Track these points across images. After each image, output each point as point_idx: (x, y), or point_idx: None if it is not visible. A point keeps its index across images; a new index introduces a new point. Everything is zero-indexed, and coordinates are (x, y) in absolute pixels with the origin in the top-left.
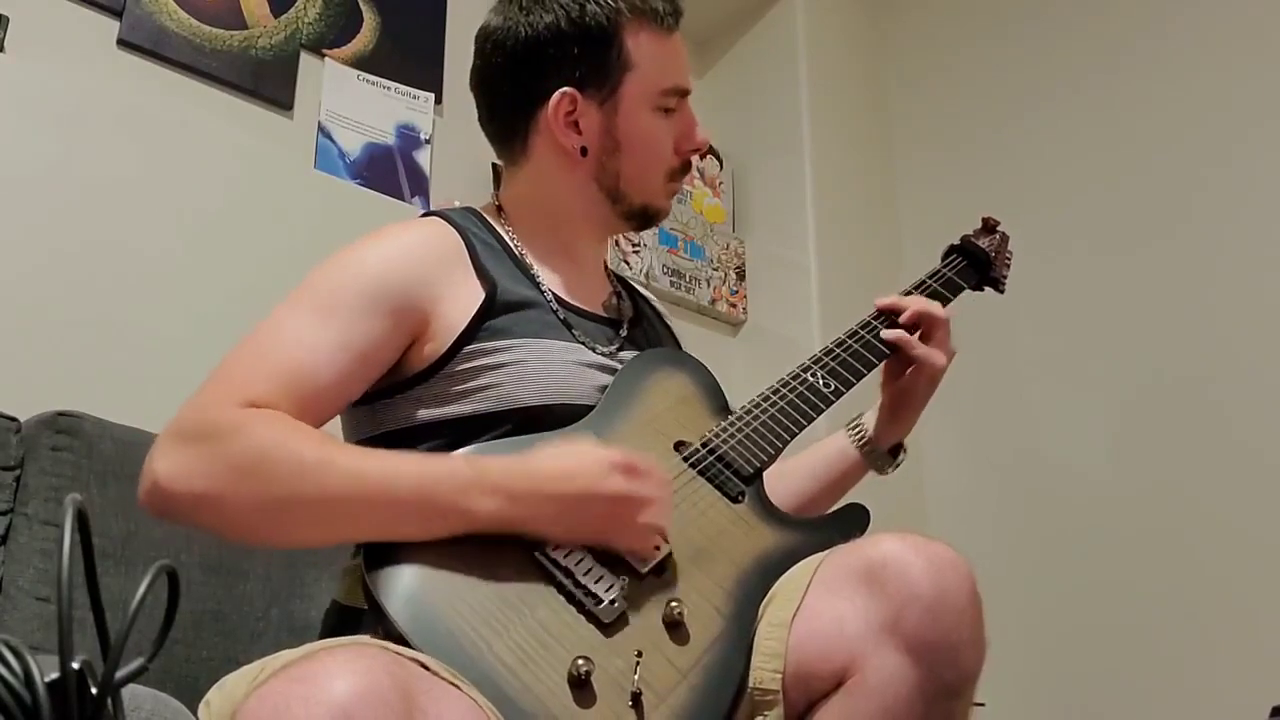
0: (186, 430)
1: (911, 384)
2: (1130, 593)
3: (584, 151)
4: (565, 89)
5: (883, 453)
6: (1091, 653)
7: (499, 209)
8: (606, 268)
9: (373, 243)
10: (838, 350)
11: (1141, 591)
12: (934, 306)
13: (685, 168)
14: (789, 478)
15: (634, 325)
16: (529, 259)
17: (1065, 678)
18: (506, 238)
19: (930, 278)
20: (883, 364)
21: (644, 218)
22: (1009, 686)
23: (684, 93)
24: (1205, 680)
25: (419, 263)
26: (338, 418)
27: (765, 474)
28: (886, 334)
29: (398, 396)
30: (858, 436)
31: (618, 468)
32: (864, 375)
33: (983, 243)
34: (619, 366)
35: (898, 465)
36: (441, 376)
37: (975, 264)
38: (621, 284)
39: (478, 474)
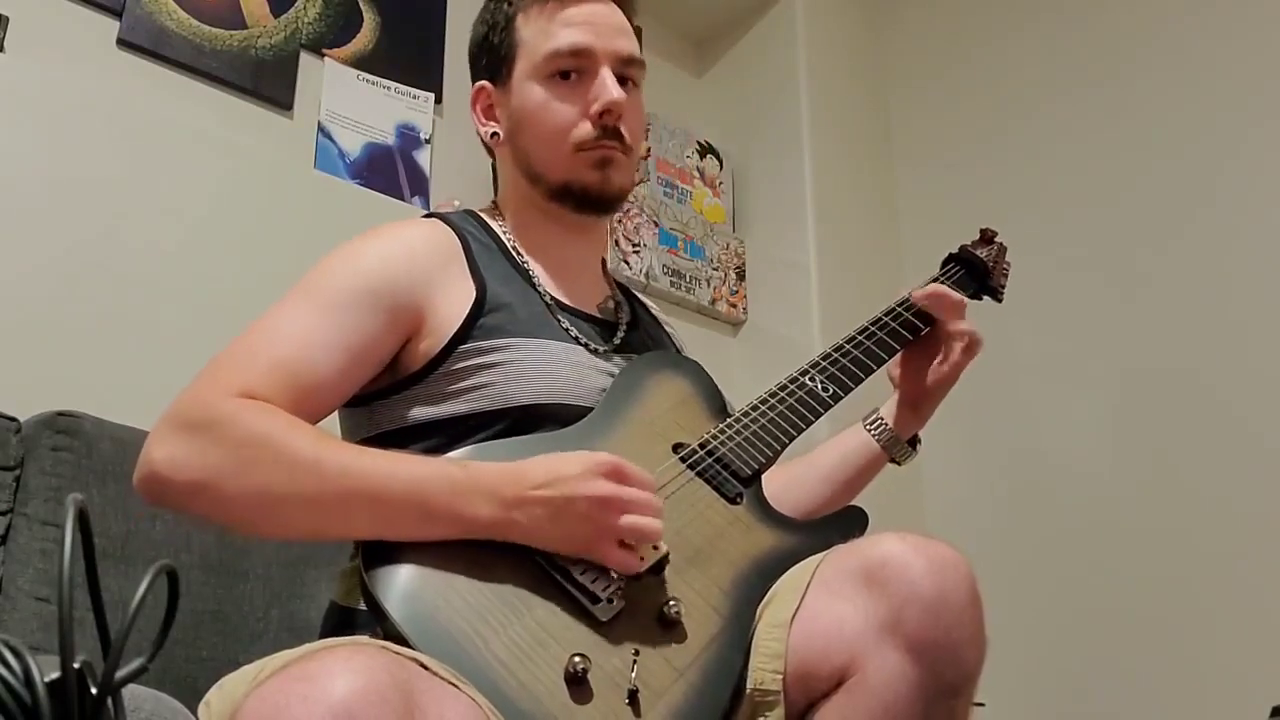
0: (183, 419)
1: (947, 373)
2: (1130, 592)
3: (496, 137)
4: (479, 83)
5: (903, 444)
6: (1091, 652)
7: (496, 210)
8: (605, 271)
9: (369, 240)
10: (836, 355)
11: (1141, 590)
12: (955, 295)
13: (603, 133)
14: (809, 473)
15: (631, 328)
16: (526, 258)
17: (1065, 677)
18: (503, 238)
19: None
20: (900, 357)
21: (573, 195)
22: (1009, 686)
23: (576, 54)
24: (1205, 680)
25: (415, 261)
26: (333, 418)
27: (771, 475)
28: (918, 297)
29: (393, 397)
30: (878, 430)
31: (602, 470)
32: (863, 380)
33: (981, 253)
34: (613, 367)
35: (914, 455)
36: (436, 376)
37: (973, 273)
38: (620, 287)
39: (470, 478)
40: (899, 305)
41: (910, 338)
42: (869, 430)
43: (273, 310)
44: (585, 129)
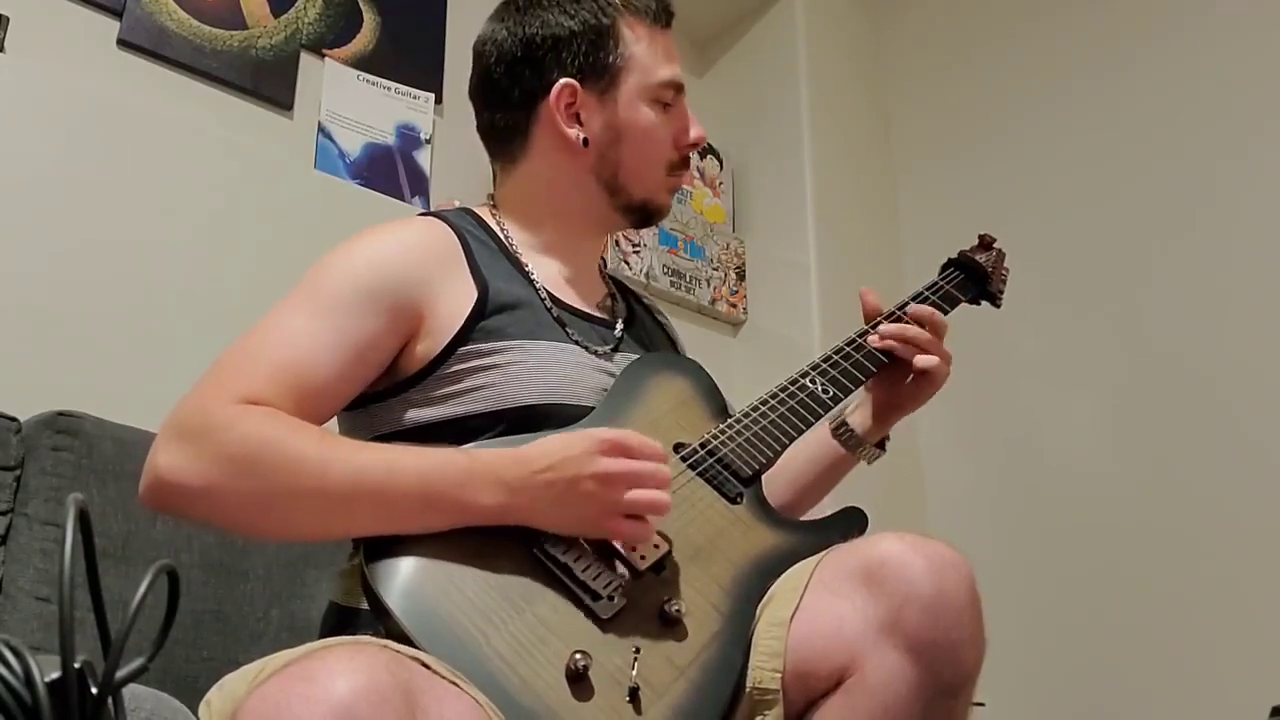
0: (187, 426)
1: (913, 392)
2: (1130, 592)
3: (585, 143)
4: (566, 80)
5: (871, 447)
6: (1091, 652)
7: (494, 208)
8: (602, 270)
9: (368, 239)
10: (837, 357)
11: (1141, 591)
12: (912, 329)
13: (684, 163)
14: (779, 474)
15: (628, 327)
16: (524, 258)
17: (1065, 677)
18: (501, 236)
19: (928, 289)
20: (879, 371)
21: (643, 213)
22: (1009, 686)
23: (679, 87)
24: (1205, 680)
25: (415, 260)
26: (333, 420)
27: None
28: (879, 343)
29: (392, 399)
30: (844, 435)
31: (603, 447)
32: (864, 382)
33: (980, 258)
34: (613, 367)
35: (882, 455)
36: (436, 378)
37: (972, 278)
38: (617, 286)
39: (474, 465)
40: (875, 326)
41: (885, 360)
42: (835, 435)
43: (273, 312)
44: (673, 155)
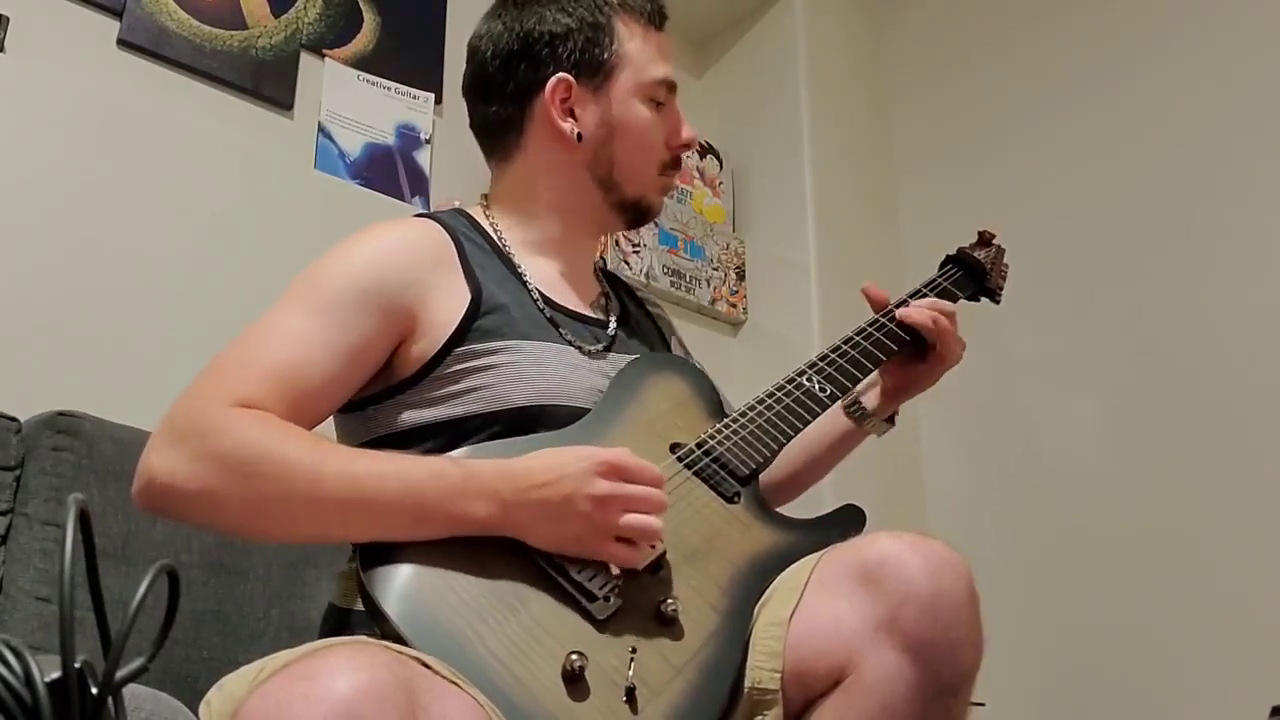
0: (180, 429)
1: (928, 370)
2: (1130, 592)
3: (579, 137)
4: (561, 75)
5: (880, 421)
6: (1091, 652)
7: (487, 208)
8: (596, 268)
9: (361, 240)
10: (834, 356)
11: (1141, 591)
12: (942, 306)
13: (676, 163)
14: (788, 447)
15: (622, 325)
16: (517, 258)
17: (1065, 677)
18: (495, 236)
19: (926, 286)
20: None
21: (636, 211)
22: (1009, 686)
23: (672, 86)
24: (1205, 680)
25: (407, 261)
26: (330, 422)
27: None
28: (912, 315)
29: (388, 401)
30: (855, 412)
31: (602, 468)
32: (860, 380)
33: (979, 254)
34: (607, 367)
35: (891, 429)
36: (431, 379)
37: (971, 275)
38: (612, 283)
39: (467, 477)
40: (888, 314)
41: (907, 339)
42: (849, 415)
43: (268, 314)
44: (665, 155)
